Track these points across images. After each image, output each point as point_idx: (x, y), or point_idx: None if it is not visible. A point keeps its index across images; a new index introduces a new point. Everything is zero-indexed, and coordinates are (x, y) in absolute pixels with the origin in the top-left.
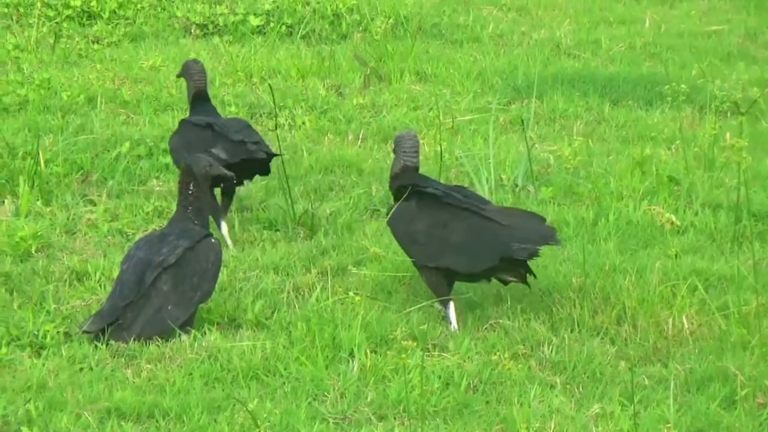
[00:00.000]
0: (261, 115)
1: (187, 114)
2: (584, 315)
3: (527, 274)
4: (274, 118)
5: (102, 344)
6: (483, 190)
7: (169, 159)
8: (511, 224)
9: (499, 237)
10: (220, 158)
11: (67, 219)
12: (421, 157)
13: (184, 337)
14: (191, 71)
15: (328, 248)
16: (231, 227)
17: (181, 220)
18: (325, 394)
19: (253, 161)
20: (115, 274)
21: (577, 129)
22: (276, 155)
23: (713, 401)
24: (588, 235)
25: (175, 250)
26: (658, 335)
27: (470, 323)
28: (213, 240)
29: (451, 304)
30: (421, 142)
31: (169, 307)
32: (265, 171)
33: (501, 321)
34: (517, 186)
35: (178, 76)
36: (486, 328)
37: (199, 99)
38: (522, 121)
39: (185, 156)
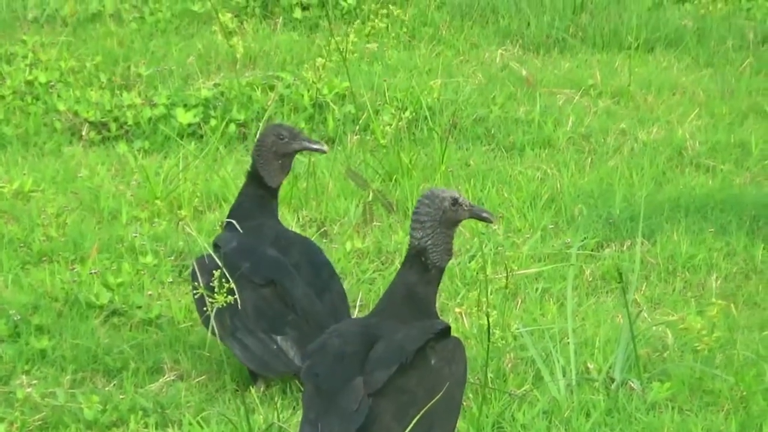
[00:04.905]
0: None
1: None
2: None
3: None
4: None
5: None
6: (558, 388)
7: (44, 343)
8: None
9: None
10: (289, 361)
11: None
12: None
13: None
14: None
15: None
16: None
17: None
18: None
19: None
20: None
21: (711, 287)
22: None
23: None
24: None
25: None
26: None
27: None
28: None
29: None
30: (456, 311)
31: None
32: None
33: None
34: (613, 381)
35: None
36: None
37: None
38: (620, 275)
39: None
